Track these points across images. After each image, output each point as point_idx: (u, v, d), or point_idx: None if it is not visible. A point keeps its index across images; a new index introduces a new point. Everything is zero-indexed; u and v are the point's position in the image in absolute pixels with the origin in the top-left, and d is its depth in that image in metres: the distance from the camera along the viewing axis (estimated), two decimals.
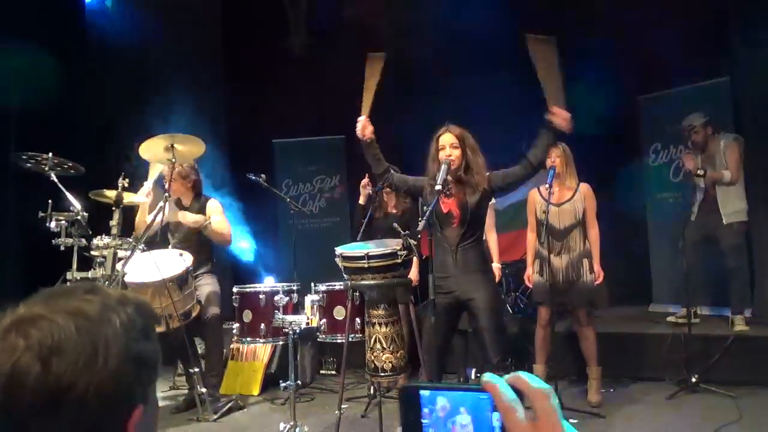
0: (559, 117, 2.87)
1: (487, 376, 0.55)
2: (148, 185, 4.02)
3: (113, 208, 3.56)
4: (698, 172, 4.55)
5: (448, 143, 3.06)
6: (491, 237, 4.33)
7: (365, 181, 4.42)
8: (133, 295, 0.84)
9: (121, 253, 3.53)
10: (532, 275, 4.16)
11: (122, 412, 0.76)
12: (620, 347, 4.65)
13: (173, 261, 3.95)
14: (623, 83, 5.72)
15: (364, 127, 3.10)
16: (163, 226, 4.38)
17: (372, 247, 2.89)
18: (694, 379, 4.12)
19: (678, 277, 5.00)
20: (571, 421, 3.75)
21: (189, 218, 4.17)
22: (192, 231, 4.24)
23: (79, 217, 3.62)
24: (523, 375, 0.54)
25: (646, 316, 5.46)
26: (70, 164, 3.79)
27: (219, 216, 4.33)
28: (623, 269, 5.40)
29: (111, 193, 3.59)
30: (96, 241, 3.55)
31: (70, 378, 0.71)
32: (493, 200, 3.91)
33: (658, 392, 4.19)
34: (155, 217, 3.81)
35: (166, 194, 3.71)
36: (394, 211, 4.56)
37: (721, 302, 5.06)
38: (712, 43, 5.32)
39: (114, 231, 3.52)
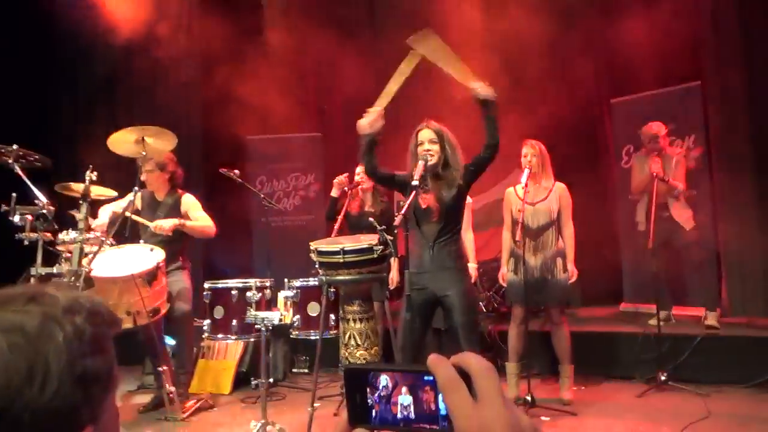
0: (477, 88, 2.93)
1: (432, 357, 0.53)
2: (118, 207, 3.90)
3: (80, 202, 3.45)
4: (664, 177, 4.65)
5: (426, 139, 3.04)
6: (468, 237, 4.33)
7: (343, 177, 4.38)
8: (87, 300, 0.76)
9: (87, 249, 3.42)
10: (506, 274, 4.17)
11: None
12: (592, 346, 4.70)
13: (143, 256, 3.85)
14: (596, 86, 5.81)
15: (376, 119, 2.98)
16: (134, 220, 4.29)
17: (347, 243, 2.86)
18: (663, 378, 4.18)
19: (648, 278, 5.09)
20: (543, 418, 3.78)
21: (166, 225, 4.04)
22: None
23: (44, 211, 3.50)
24: (466, 354, 0.52)
25: (618, 316, 5.54)
26: (36, 156, 3.66)
27: (198, 211, 4.24)
28: (596, 269, 5.47)
29: (78, 187, 3.49)
30: (62, 236, 3.43)
31: (1, 403, 0.64)
32: (470, 200, 3.92)
33: (629, 390, 4.24)
34: (124, 211, 3.72)
35: (135, 187, 3.62)
36: (372, 209, 4.53)
37: (692, 302, 5.16)
38: (684, 48, 5.42)
39: (80, 225, 3.40)
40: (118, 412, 0.78)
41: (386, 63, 5.85)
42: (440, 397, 0.53)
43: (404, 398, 0.55)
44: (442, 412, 0.53)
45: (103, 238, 3.40)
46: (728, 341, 4.47)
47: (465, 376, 0.51)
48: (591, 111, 5.95)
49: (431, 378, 0.53)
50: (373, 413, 0.57)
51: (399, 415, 0.55)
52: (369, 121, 2.97)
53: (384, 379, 0.56)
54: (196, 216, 4.22)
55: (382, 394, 0.56)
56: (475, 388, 0.50)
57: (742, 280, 4.92)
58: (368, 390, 0.57)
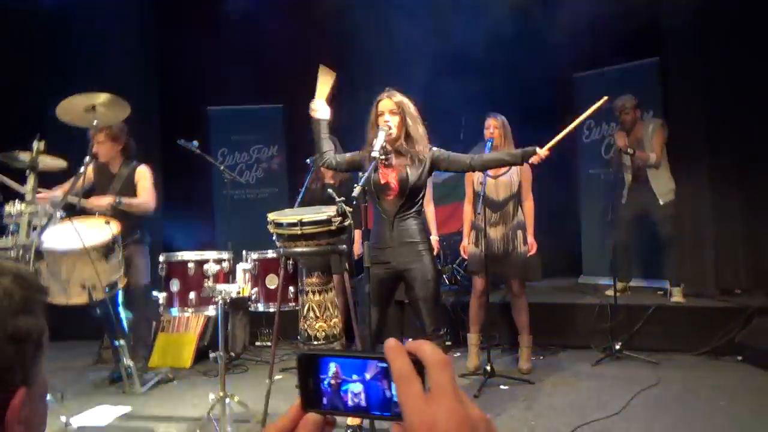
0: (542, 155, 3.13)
1: (389, 344, 0.52)
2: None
3: (28, 172, 3.31)
4: (628, 150, 4.71)
5: (387, 109, 2.96)
6: (429, 210, 4.33)
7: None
8: (12, 265, 0.76)
9: (36, 221, 3.29)
10: (468, 246, 4.20)
11: None
12: (550, 317, 4.81)
13: (98, 229, 3.74)
14: (558, 60, 5.82)
15: (322, 107, 3.02)
16: (87, 191, 4.15)
17: (305, 214, 2.82)
18: (618, 347, 4.31)
19: (608, 251, 5.21)
20: (502, 387, 3.87)
21: (102, 202, 3.95)
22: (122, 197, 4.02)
23: None
24: (424, 344, 0.51)
25: (576, 288, 5.67)
26: None
27: (144, 182, 4.12)
28: (555, 243, 5.56)
29: (25, 156, 3.33)
30: (8, 207, 3.29)
31: None
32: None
33: (585, 360, 4.36)
34: (75, 181, 3.58)
35: (87, 157, 3.48)
36: (332, 181, 4.49)
37: (651, 274, 5.31)
38: (643, 23, 5.46)
39: (28, 198, 3.27)
40: (47, 380, 0.78)
41: (349, 28, 5.78)
42: (392, 384, 0.52)
43: (354, 386, 0.55)
44: (395, 399, 0.52)
45: (52, 211, 3.27)
46: (679, 311, 4.63)
47: (420, 365, 0.51)
48: (554, 84, 5.98)
49: (385, 365, 0.52)
50: (324, 400, 0.56)
51: (350, 403, 0.55)
52: (315, 109, 3.01)
53: (333, 366, 0.56)
54: (140, 188, 4.12)
55: (331, 381, 0.56)
56: (428, 380, 0.50)
57: (694, 254, 5.07)
58: (320, 376, 0.57)
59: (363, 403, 0.55)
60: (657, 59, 5.39)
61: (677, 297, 4.75)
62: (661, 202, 4.82)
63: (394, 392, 0.52)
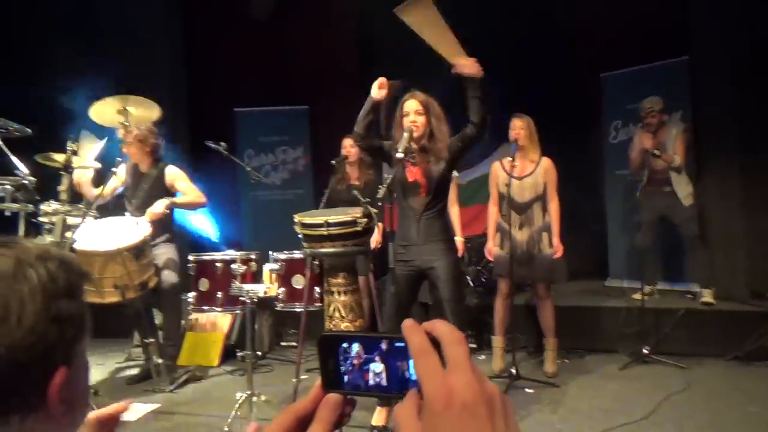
0: (464, 66, 2.86)
1: (406, 322, 0.53)
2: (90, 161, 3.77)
3: (62, 173, 3.40)
4: (655, 151, 4.65)
5: (412, 110, 3.01)
6: (453, 211, 4.33)
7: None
8: (58, 251, 0.80)
9: (70, 220, 3.38)
10: (492, 248, 4.19)
11: (40, 373, 0.72)
12: (577, 320, 4.76)
13: (129, 229, 3.82)
14: (585, 60, 5.76)
15: (383, 85, 2.94)
16: (119, 193, 4.25)
17: (332, 215, 2.84)
18: (646, 351, 4.25)
19: (634, 253, 5.14)
20: (527, 390, 3.84)
21: (157, 210, 3.97)
22: (151, 198, 4.09)
23: (25, 182, 3.44)
24: (438, 322, 0.52)
25: (603, 291, 5.60)
26: (15, 126, 3.59)
27: (185, 182, 4.20)
28: (581, 244, 5.50)
29: (59, 157, 3.43)
30: (44, 207, 3.39)
31: None
32: (456, 174, 3.90)
33: (612, 363, 4.31)
34: (108, 183, 3.68)
35: (119, 158, 3.57)
36: (357, 182, 4.52)
37: (677, 277, 5.22)
38: (672, 22, 5.38)
39: (63, 197, 3.36)
40: (88, 363, 0.82)
41: (373, 35, 5.80)
42: (411, 362, 0.53)
43: (376, 365, 0.56)
44: (413, 377, 0.53)
45: (87, 210, 3.36)
46: (709, 315, 4.54)
47: (436, 343, 0.51)
48: (581, 85, 5.92)
49: (404, 344, 0.53)
50: (345, 379, 0.57)
51: (371, 382, 0.56)
52: (377, 86, 2.93)
53: (356, 346, 0.57)
54: (184, 188, 4.18)
55: (354, 361, 0.57)
56: (445, 356, 0.51)
57: (725, 256, 4.97)
58: (341, 357, 0.57)
59: (384, 382, 0.55)
60: (686, 58, 5.29)
61: (708, 297, 4.65)
62: (685, 204, 4.76)
63: (412, 371, 0.53)
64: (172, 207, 4.04)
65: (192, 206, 4.14)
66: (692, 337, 4.43)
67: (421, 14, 2.78)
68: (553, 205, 4.09)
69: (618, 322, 4.63)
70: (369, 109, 3.00)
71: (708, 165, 4.89)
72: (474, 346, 4.65)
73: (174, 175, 4.21)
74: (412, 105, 3.02)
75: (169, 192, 4.17)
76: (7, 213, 3.39)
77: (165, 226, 4.20)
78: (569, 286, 5.48)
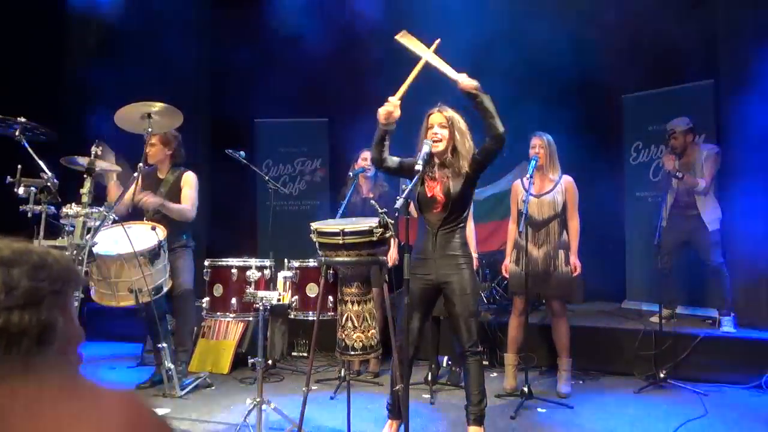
0: (462, 84, 2.89)
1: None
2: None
3: (85, 176, 3.46)
4: (677, 174, 4.59)
5: (436, 123, 3.02)
6: (468, 227, 4.31)
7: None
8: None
9: (90, 223, 3.43)
10: (509, 265, 4.16)
11: None
12: (592, 341, 4.68)
13: (145, 234, 3.87)
14: (607, 81, 5.74)
15: (392, 111, 2.86)
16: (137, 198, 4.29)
17: (348, 224, 2.85)
18: (662, 375, 4.16)
19: (652, 276, 5.05)
20: (540, 410, 3.78)
21: (151, 198, 4.05)
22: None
23: (48, 184, 3.51)
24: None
25: (619, 312, 5.51)
26: (42, 129, 3.67)
27: (191, 190, 4.23)
28: (599, 265, 5.43)
29: (83, 160, 3.49)
30: (65, 209, 3.44)
31: None
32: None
33: (627, 386, 4.23)
34: (128, 188, 3.73)
35: (140, 164, 3.62)
36: (371, 195, 4.53)
37: (698, 302, 5.12)
38: (697, 45, 5.34)
39: (84, 200, 3.41)
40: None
41: (390, 51, 5.84)
42: None
43: None
44: None
45: (107, 213, 3.40)
46: (730, 342, 4.43)
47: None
48: (602, 105, 5.89)
49: None
50: None
51: None
52: (385, 112, 2.86)
53: None
54: (185, 194, 4.21)
55: None
56: None
57: (747, 283, 4.86)
58: None
59: None
60: (712, 81, 5.24)
61: (727, 327, 4.56)
62: (710, 229, 4.67)
63: None
64: (161, 208, 4.07)
65: (179, 215, 4.15)
66: (712, 364, 4.32)
67: (411, 42, 2.94)
68: (573, 224, 4.06)
69: (634, 345, 4.55)
70: (379, 138, 2.99)
71: (732, 189, 4.81)
72: (486, 363, 4.60)
73: (187, 178, 4.25)
74: (436, 118, 3.03)
75: (180, 195, 4.21)
76: (30, 214, 3.45)
77: (181, 231, 4.23)
78: (585, 307, 5.41)
